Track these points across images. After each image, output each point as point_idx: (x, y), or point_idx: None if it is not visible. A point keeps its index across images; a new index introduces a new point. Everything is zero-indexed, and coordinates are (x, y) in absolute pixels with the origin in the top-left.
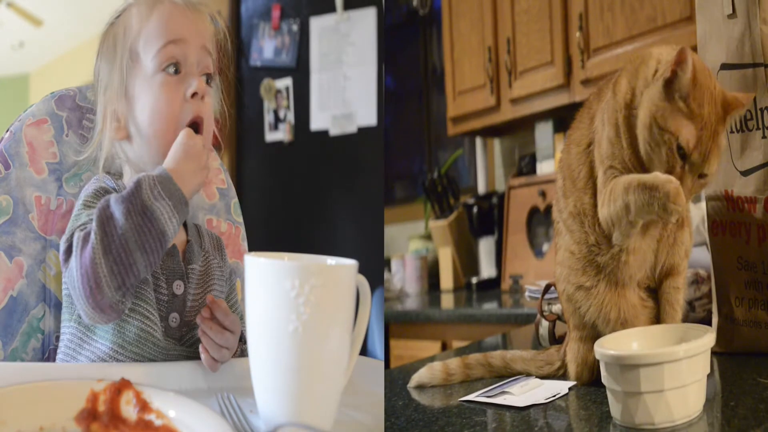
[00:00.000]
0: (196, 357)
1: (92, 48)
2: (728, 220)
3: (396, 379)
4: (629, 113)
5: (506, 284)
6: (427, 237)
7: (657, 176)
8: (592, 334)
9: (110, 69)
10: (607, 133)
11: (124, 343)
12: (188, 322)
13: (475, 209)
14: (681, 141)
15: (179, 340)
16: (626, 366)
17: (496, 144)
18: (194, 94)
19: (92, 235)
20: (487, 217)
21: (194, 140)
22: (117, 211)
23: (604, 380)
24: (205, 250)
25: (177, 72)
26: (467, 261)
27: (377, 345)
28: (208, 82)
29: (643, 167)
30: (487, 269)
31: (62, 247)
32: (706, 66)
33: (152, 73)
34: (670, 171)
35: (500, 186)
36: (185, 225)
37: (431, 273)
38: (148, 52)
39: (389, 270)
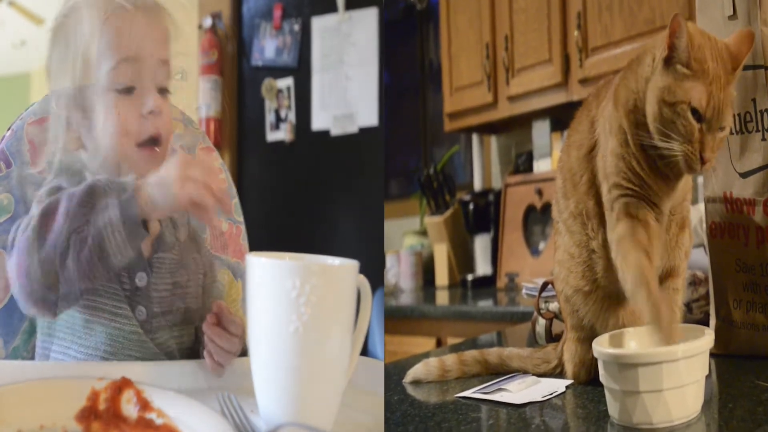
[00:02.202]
0: (168, 357)
1: None
2: (727, 222)
3: (391, 375)
4: (635, 119)
5: (501, 282)
6: (423, 233)
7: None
8: (590, 335)
9: (62, 70)
10: (611, 146)
11: (97, 344)
12: (157, 314)
13: (471, 206)
14: (694, 103)
15: (150, 333)
16: (625, 365)
17: (493, 141)
18: (151, 112)
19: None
20: (483, 215)
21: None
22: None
23: (602, 379)
24: (180, 241)
25: (131, 92)
26: (462, 258)
27: (378, 345)
28: (163, 94)
29: (654, 171)
30: (482, 267)
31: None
32: (703, 29)
33: (105, 90)
34: (689, 140)
35: (496, 183)
36: None
37: (426, 269)
38: (101, 66)
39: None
